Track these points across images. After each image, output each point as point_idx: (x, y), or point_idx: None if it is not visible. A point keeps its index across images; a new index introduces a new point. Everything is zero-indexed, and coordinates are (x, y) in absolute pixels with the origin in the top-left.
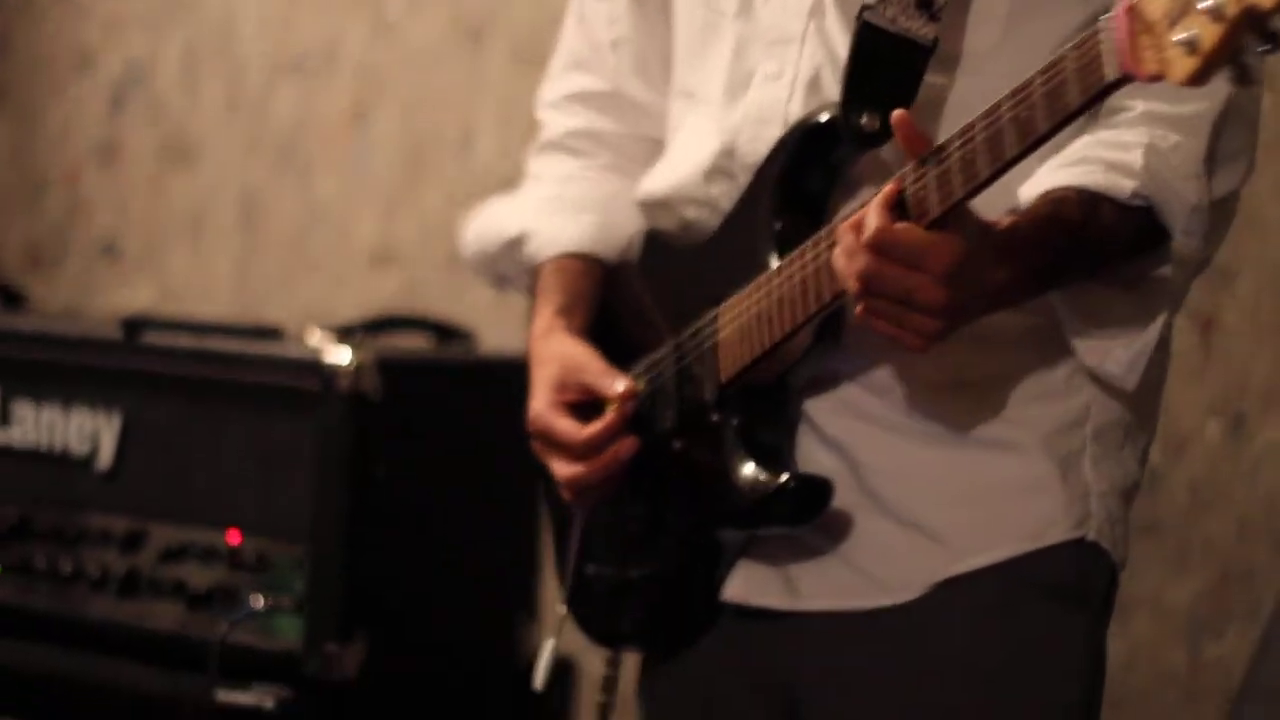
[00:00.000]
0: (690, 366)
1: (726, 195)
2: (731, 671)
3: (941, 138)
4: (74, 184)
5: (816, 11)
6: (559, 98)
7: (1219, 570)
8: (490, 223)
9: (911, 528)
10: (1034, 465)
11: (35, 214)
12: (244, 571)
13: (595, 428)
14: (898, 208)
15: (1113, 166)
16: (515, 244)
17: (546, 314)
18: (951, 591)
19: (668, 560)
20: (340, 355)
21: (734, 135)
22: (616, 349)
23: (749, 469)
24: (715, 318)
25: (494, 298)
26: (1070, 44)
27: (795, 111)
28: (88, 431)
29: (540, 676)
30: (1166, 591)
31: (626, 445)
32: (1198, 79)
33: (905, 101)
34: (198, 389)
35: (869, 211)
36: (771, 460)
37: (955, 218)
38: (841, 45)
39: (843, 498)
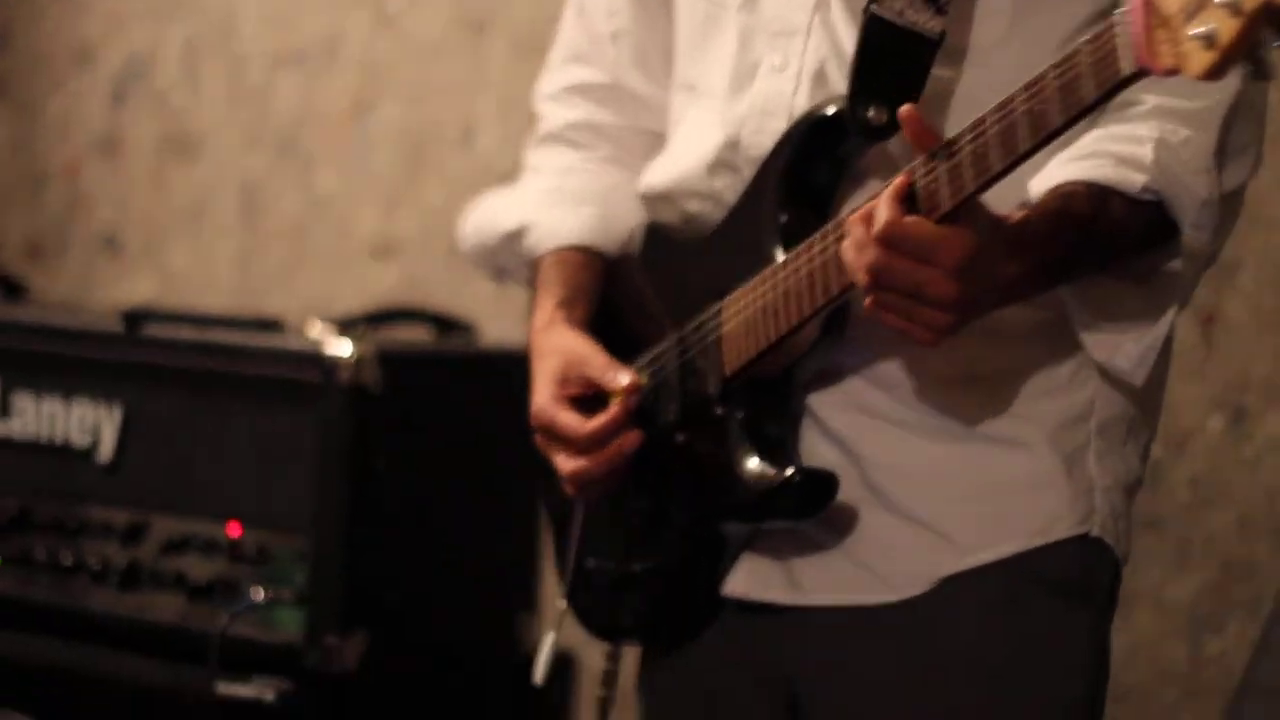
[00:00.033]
0: (693, 360)
1: (730, 188)
2: (733, 666)
3: (949, 131)
4: (75, 177)
5: (821, 4)
6: (558, 90)
7: (1220, 566)
8: (489, 215)
9: (915, 523)
10: (1039, 461)
11: (36, 207)
12: (244, 564)
13: (599, 421)
14: (908, 201)
15: (1123, 161)
16: (515, 236)
17: (547, 307)
18: (956, 587)
19: (669, 554)
20: (341, 347)
21: (738, 127)
22: (617, 342)
23: (754, 462)
24: (719, 311)
25: (494, 290)
26: (1084, 38)
27: (800, 104)
28: (89, 423)
29: (541, 671)
30: (1167, 587)
31: (631, 439)
32: (1215, 73)
33: (913, 95)
34: (198, 381)
35: (879, 204)
36: (776, 454)
37: (967, 212)
38: (846, 37)
39: (846, 492)
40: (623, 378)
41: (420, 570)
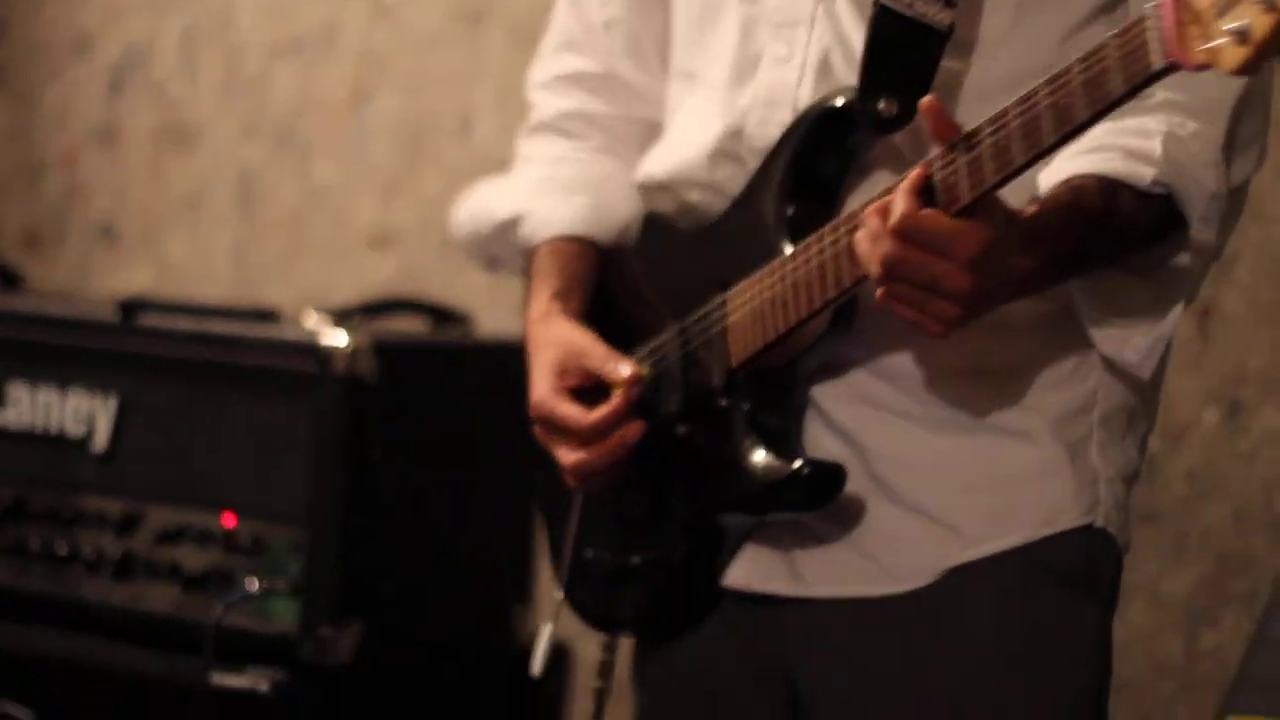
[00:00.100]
0: (696, 351)
1: (732, 179)
2: (731, 658)
3: (958, 123)
4: (72, 166)
5: None
6: (550, 79)
7: (1216, 559)
8: (482, 204)
9: (920, 514)
10: (1044, 451)
11: (33, 196)
12: (239, 554)
13: (601, 412)
14: (925, 193)
15: (1132, 154)
16: (508, 226)
17: (543, 298)
18: (962, 578)
19: (669, 546)
20: (337, 338)
21: (742, 118)
22: (613, 332)
23: (760, 454)
24: (724, 302)
25: (491, 281)
26: (1111, 33)
27: (805, 95)
28: (84, 413)
29: (538, 662)
30: (1163, 580)
31: (633, 429)
32: (1248, 68)
33: (923, 87)
34: (194, 371)
35: (896, 196)
36: (782, 446)
37: (983, 205)
38: (851, 28)
39: (851, 484)
40: (624, 368)
41: (415, 561)
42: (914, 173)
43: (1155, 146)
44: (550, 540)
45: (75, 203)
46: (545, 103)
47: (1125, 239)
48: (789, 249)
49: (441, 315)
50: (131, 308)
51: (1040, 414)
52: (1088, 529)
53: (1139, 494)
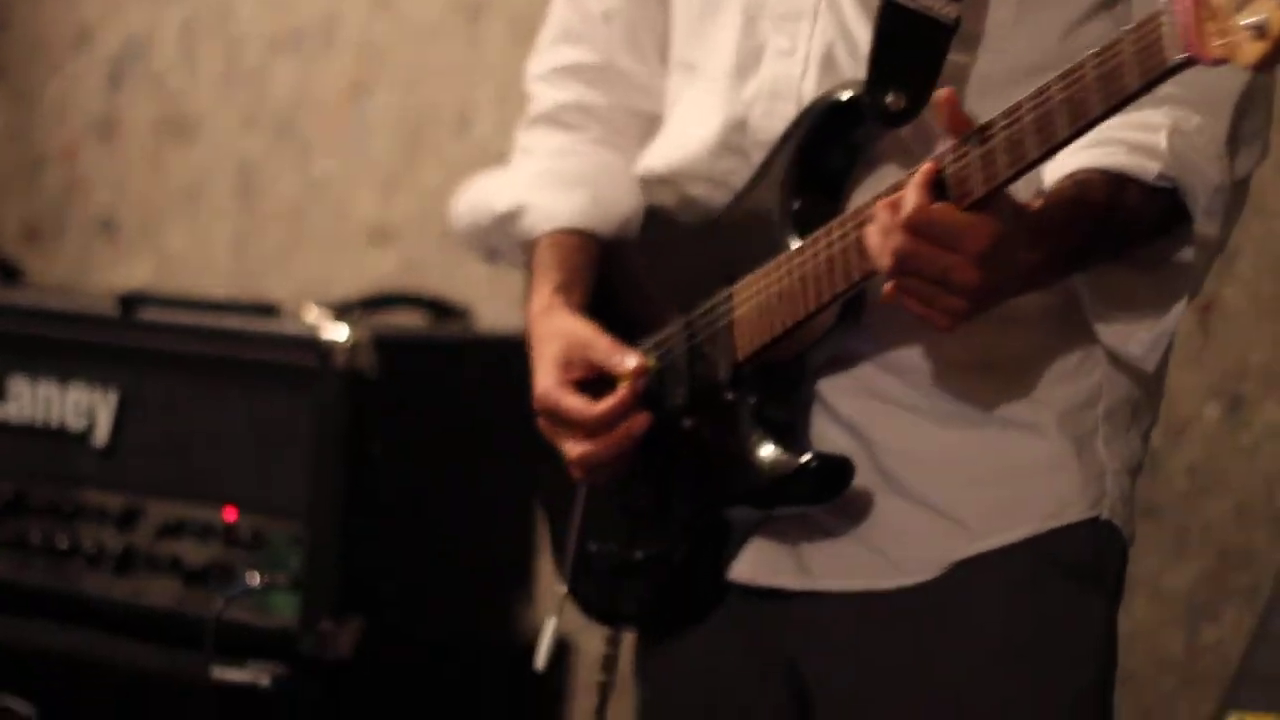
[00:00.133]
0: (701, 345)
1: (736, 172)
2: (736, 652)
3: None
4: (72, 160)
5: None
6: (549, 70)
7: (1217, 554)
8: (482, 196)
9: (927, 508)
10: (1051, 444)
11: (33, 190)
12: (240, 548)
13: (607, 404)
14: (936, 187)
15: (1137, 148)
16: (508, 218)
17: (545, 291)
18: (969, 571)
19: (674, 539)
20: (337, 332)
21: (745, 111)
22: (614, 326)
23: (767, 448)
24: (730, 296)
25: (491, 275)
26: (1126, 27)
27: (809, 88)
28: (84, 407)
29: (542, 657)
30: (1165, 575)
31: (639, 421)
32: (1266, 64)
33: (930, 80)
34: (194, 365)
35: (907, 190)
36: (789, 440)
37: (993, 199)
38: (854, 21)
39: (857, 478)
40: (630, 360)
41: (416, 556)
42: (925, 166)
43: (1160, 140)
44: (552, 534)
45: (75, 196)
46: (544, 95)
47: (1130, 233)
48: (795, 243)
49: (441, 309)
50: (132, 302)
51: (1047, 407)
52: (1094, 521)
53: (1140, 489)
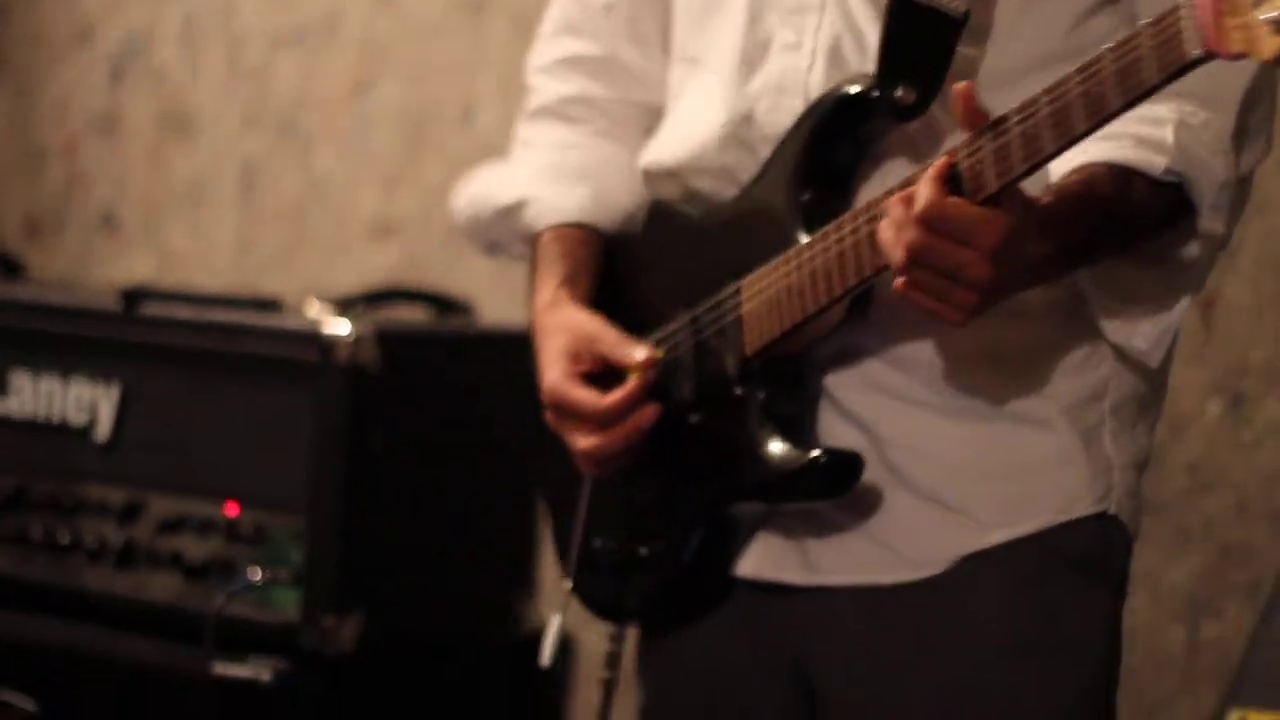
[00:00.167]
0: (708, 340)
1: (742, 166)
2: (741, 648)
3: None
4: (73, 155)
5: None
6: (550, 62)
7: (1218, 550)
8: (483, 189)
9: (935, 502)
10: (1060, 438)
11: (34, 185)
12: (241, 543)
13: (616, 396)
14: (950, 181)
15: (1143, 142)
16: (511, 211)
17: (550, 285)
18: (977, 565)
19: (679, 535)
20: (339, 327)
21: (752, 104)
22: (617, 321)
23: (776, 443)
24: (738, 291)
25: (493, 270)
26: (1144, 21)
27: (816, 81)
28: (86, 402)
29: (547, 653)
30: (1166, 571)
31: (649, 412)
32: None
33: (940, 74)
34: (196, 360)
35: (920, 185)
36: (798, 435)
37: (1005, 193)
38: (861, 14)
39: (865, 472)
40: (638, 352)
41: (417, 551)
42: (938, 161)
43: (1167, 135)
44: (555, 529)
45: (76, 191)
46: (545, 87)
47: (1136, 228)
48: (804, 237)
49: (443, 304)
50: (134, 296)
51: (1054, 401)
52: (1101, 516)
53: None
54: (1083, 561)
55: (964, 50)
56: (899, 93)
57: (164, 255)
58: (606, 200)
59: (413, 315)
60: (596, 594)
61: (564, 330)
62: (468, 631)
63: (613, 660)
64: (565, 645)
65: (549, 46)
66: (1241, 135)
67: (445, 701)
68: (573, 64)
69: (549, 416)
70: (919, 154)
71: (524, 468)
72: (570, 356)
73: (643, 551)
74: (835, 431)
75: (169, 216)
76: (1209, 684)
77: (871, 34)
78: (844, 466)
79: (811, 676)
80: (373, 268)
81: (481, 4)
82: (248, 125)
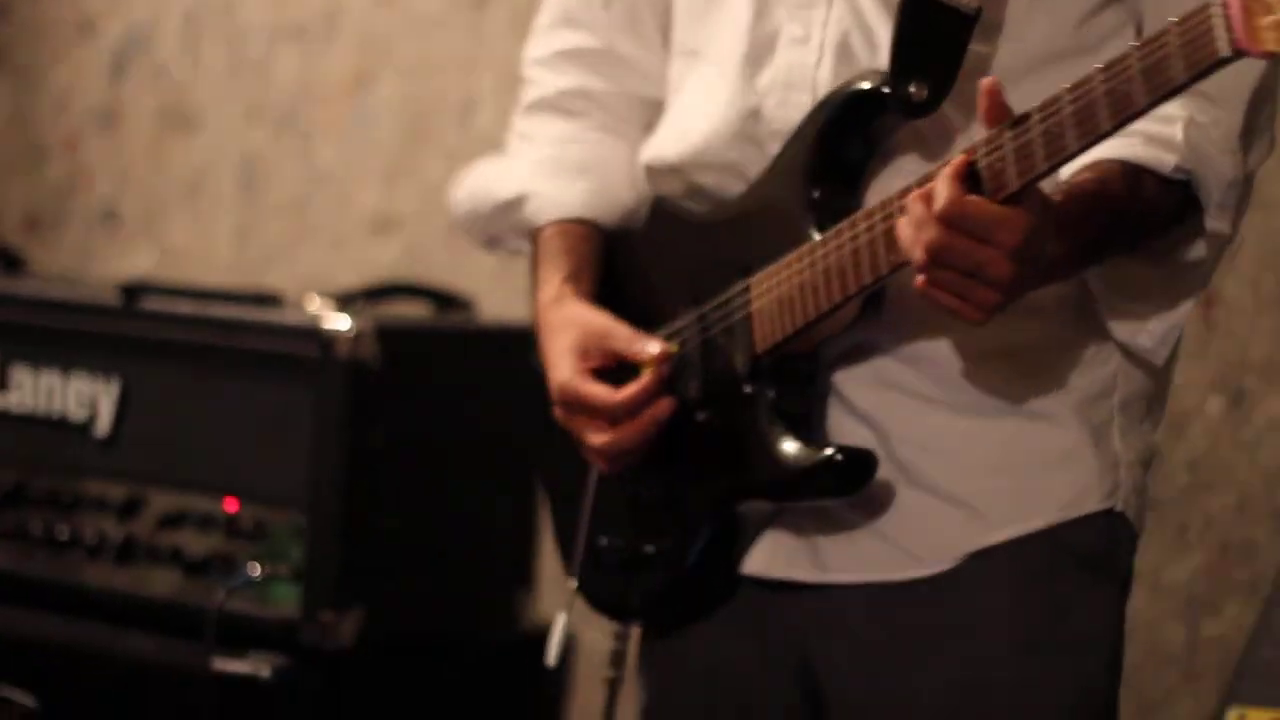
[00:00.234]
0: (716, 338)
1: (749, 161)
2: (745, 649)
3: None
4: (74, 149)
5: None
6: (548, 55)
7: (1218, 548)
8: (482, 183)
9: (944, 499)
10: (1069, 434)
11: (35, 179)
12: (241, 539)
13: (632, 390)
14: (969, 179)
15: (1153, 140)
16: (512, 205)
17: (554, 280)
18: (986, 562)
19: (686, 533)
20: (339, 322)
21: (759, 100)
22: (620, 317)
23: (789, 441)
24: (747, 288)
25: (494, 266)
26: (1172, 19)
27: (825, 77)
28: (86, 397)
29: (553, 653)
30: (1166, 569)
31: (664, 406)
32: None
33: (953, 71)
34: (196, 355)
35: (939, 183)
36: (809, 432)
37: (1025, 192)
38: (870, 10)
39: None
40: (652, 346)
41: (417, 547)
42: (957, 158)
43: (1176, 132)
44: (556, 526)
45: (77, 186)
46: (543, 80)
47: (1146, 225)
48: (816, 235)
49: (444, 300)
50: (134, 291)
51: (1064, 397)
52: (1108, 513)
53: None
54: (1090, 558)
55: (976, 47)
56: (912, 89)
57: (164, 250)
58: (608, 195)
59: (413, 311)
60: (601, 592)
61: (572, 326)
62: (467, 628)
63: (617, 659)
64: (567, 643)
65: (546, 39)
66: (1249, 134)
67: (445, 697)
68: (571, 57)
69: (559, 413)
70: (930, 151)
71: (524, 464)
72: (579, 353)
73: (649, 549)
74: (844, 429)
75: (169, 211)
76: (1208, 681)
77: (881, 30)
78: (858, 465)
79: (818, 675)
80: (373, 263)
81: None
82: (248, 120)
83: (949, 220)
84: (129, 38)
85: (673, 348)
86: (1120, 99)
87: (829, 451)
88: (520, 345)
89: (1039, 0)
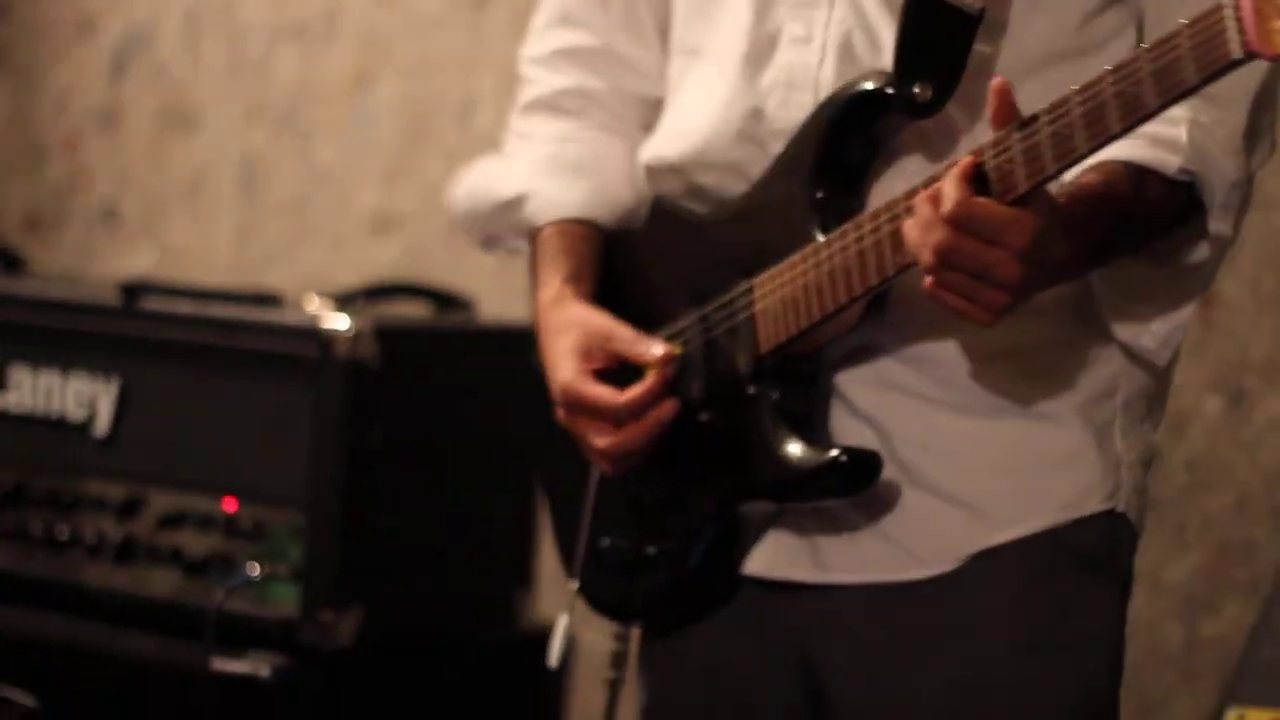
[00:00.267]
0: (719, 338)
1: (751, 161)
2: (746, 649)
3: (986, 108)
4: (74, 149)
5: None
6: (546, 54)
7: (1217, 547)
8: (481, 182)
9: (946, 499)
10: (1071, 435)
11: (35, 179)
12: (241, 539)
13: (636, 391)
14: (976, 180)
15: (1158, 141)
16: (511, 205)
17: (555, 281)
18: (988, 562)
19: (688, 534)
20: (339, 322)
21: (762, 100)
22: (618, 317)
23: (794, 442)
24: (750, 289)
25: (494, 266)
26: (1183, 21)
27: (827, 77)
28: (85, 397)
29: (555, 654)
30: (1165, 569)
31: (668, 408)
32: None
33: (957, 71)
34: (196, 355)
35: (946, 184)
36: (812, 433)
37: (1033, 194)
38: (872, 9)
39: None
40: (657, 348)
41: (416, 546)
42: (965, 160)
43: (1181, 134)
44: (556, 527)
45: (77, 185)
46: (541, 79)
47: (1150, 227)
48: (821, 236)
49: (444, 300)
50: (133, 291)
51: (1066, 398)
52: (1110, 513)
53: None
54: (1092, 558)
55: (978, 47)
56: (916, 90)
57: (164, 250)
58: (607, 195)
59: (413, 310)
60: (603, 593)
61: (573, 327)
62: (467, 627)
63: (618, 660)
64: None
65: (544, 37)
66: (1252, 136)
67: (444, 697)
68: (568, 55)
69: (561, 414)
70: (933, 152)
71: (524, 464)
72: (581, 354)
73: (651, 550)
74: (846, 429)
75: (169, 211)
76: (1208, 681)
77: (883, 30)
78: (863, 466)
79: (819, 675)
80: (373, 263)
81: None
82: (248, 119)
83: (957, 222)
84: (129, 37)
85: (677, 349)
86: (1130, 101)
87: (834, 453)
88: (520, 345)
89: (1040, 1)
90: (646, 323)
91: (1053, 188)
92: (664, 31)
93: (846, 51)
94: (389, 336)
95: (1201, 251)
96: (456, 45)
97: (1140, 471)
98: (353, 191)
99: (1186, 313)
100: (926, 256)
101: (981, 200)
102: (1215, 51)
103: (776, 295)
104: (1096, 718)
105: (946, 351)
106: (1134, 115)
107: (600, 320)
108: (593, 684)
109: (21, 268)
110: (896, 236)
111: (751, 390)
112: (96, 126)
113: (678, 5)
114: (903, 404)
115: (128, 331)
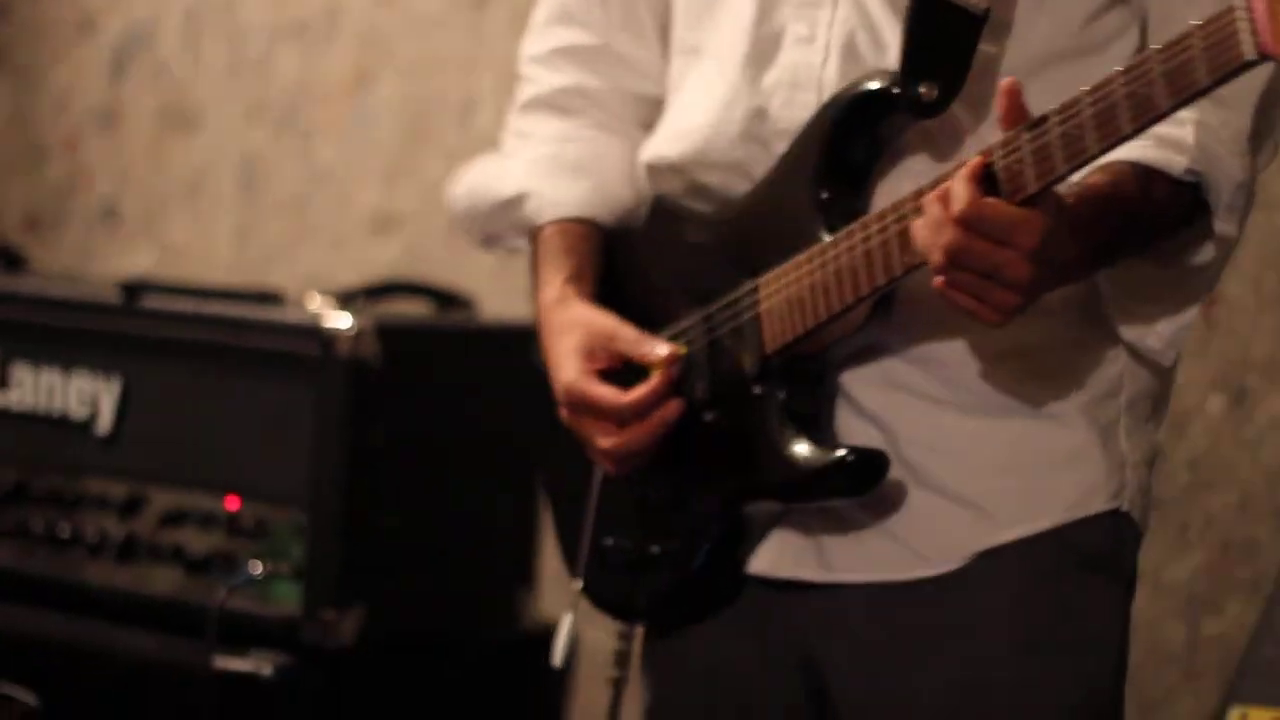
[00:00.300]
0: (724, 338)
1: (754, 161)
2: (749, 648)
3: (991, 108)
4: (74, 148)
5: None
6: (546, 52)
7: (1220, 547)
8: (481, 181)
9: (952, 499)
10: (1076, 434)
11: (36, 178)
12: (243, 537)
13: (641, 392)
14: (985, 181)
15: (1164, 141)
16: (511, 204)
17: (556, 281)
18: (993, 561)
19: (693, 533)
20: (340, 321)
21: (765, 99)
22: (620, 316)
23: (800, 442)
24: (755, 289)
25: (495, 265)
26: (1194, 23)
27: (831, 76)
28: (87, 395)
29: (559, 653)
30: (1167, 568)
31: (673, 408)
32: None
33: (962, 71)
34: (197, 353)
35: (955, 184)
36: (818, 433)
37: (1043, 194)
38: (875, 9)
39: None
40: (661, 348)
41: (418, 545)
42: (973, 160)
43: (1187, 135)
44: (559, 527)
45: (77, 184)
46: (540, 78)
47: (1156, 227)
48: (827, 236)
49: (445, 298)
50: (134, 289)
51: (1071, 397)
52: (1115, 513)
53: None
54: (1096, 558)
55: (983, 47)
56: (921, 89)
57: (165, 248)
58: (607, 194)
59: (414, 309)
60: (607, 592)
61: (576, 327)
62: (468, 626)
63: (621, 659)
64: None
65: (543, 36)
66: (1257, 136)
67: (445, 696)
68: (568, 54)
69: (565, 414)
70: (938, 152)
71: (525, 463)
72: (585, 354)
73: (655, 550)
74: (852, 429)
75: (170, 210)
76: (1210, 680)
77: (887, 29)
78: (870, 465)
79: (822, 674)
80: (373, 262)
81: None
82: (249, 118)
83: (967, 222)
84: (129, 36)
85: (682, 349)
86: (1142, 102)
87: (841, 452)
88: (521, 344)
89: (1045, 1)
90: (647, 322)
91: (1059, 188)
92: (664, 31)
93: (850, 51)
94: (391, 335)
95: (1206, 252)
96: (456, 45)
97: (1144, 471)
98: (353, 191)
99: (1192, 313)
100: (936, 257)
101: (991, 201)
102: (1228, 53)
103: (782, 295)
104: (1097, 718)
105: (952, 351)
106: (1145, 116)
107: (604, 320)
108: (595, 683)
109: (23, 266)
110: (904, 236)
111: (757, 390)
112: (97, 126)
113: (678, 4)
114: (909, 404)
115: (130, 330)
